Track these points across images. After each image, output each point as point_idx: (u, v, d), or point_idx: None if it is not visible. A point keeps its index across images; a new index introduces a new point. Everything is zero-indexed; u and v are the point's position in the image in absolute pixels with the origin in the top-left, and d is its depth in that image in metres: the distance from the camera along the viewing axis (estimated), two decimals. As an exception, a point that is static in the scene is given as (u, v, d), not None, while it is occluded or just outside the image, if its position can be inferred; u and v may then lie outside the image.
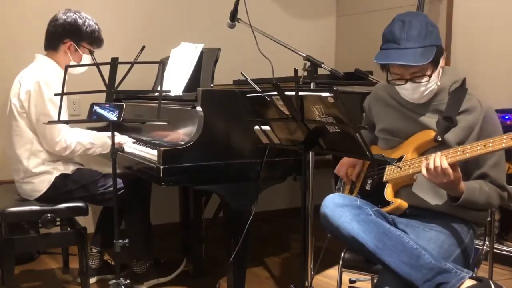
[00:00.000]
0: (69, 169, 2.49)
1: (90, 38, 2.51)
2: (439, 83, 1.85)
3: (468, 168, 1.80)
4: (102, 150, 2.50)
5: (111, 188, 2.30)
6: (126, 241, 2.12)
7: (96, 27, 2.53)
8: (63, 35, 2.47)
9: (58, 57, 2.49)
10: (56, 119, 2.26)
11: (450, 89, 1.87)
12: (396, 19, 1.83)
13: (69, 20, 2.46)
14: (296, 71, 1.63)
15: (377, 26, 3.85)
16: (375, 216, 1.73)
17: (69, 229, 2.53)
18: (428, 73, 1.79)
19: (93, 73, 2.05)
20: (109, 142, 2.42)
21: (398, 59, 1.76)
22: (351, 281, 2.76)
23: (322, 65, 2.21)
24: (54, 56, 2.49)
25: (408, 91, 1.85)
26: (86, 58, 2.53)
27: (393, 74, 1.84)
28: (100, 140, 2.48)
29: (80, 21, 2.47)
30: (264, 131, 1.84)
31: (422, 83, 1.80)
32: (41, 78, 2.35)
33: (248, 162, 2.24)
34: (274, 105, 1.68)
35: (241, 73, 2.07)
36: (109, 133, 2.12)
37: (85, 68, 2.55)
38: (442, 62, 1.84)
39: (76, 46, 2.48)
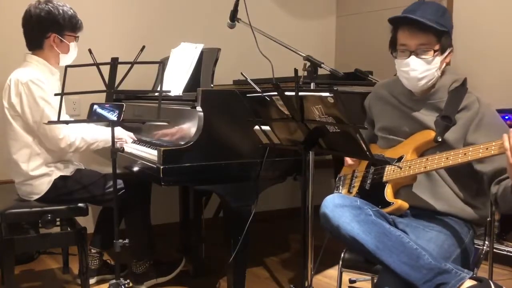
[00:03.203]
0: (69, 170, 2.49)
1: (71, 25, 2.45)
2: (439, 73, 1.85)
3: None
4: (105, 144, 2.47)
5: (111, 189, 2.30)
6: (126, 241, 2.12)
7: (72, 11, 2.46)
8: (43, 30, 2.41)
9: (45, 53, 2.44)
10: (51, 116, 2.27)
11: (449, 88, 1.87)
12: (416, 2, 1.86)
13: (43, 13, 2.38)
14: (296, 71, 1.63)
15: (377, 26, 3.88)
16: (375, 216, 1.73)
17: (69, 229, 2.53)
18: (436, 48, 1.79)
19: (93, 73, 2.05)
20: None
21: (411, 17, 1.77)
22: (351, 281, 2.76)
23: (322, 65, 2.21)
24: (41, 54, 2.44)
25: (407, 67, 1.82)
26: (73, 46, 2.49)
27: (399, 46, 1.84)
28: (103, 135, 2.46)
29: (55, 11, 2.39)
30: (264, 131, 1.84)
31: (427, 58, 1.79)
32: (29, 79, 2.32)
33: (248, 162, 2.24)
34: (274, 105, 1.68)
35: (241, 73, 2.07)
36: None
37: (73, 57, 2.52)
38: (447, 57, 1.85)
39: (60, 37, 2.43)
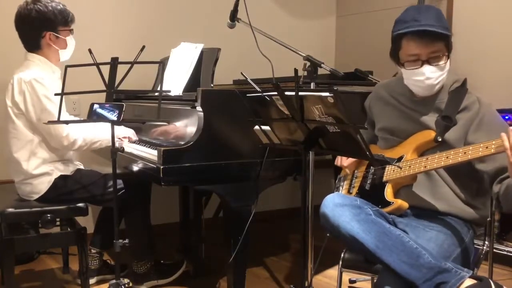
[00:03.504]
0: (69, 170, 2.49)
1: (63, 20, 2.45)
2: (446, 74, 1.85)
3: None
4: (108, 143, 2.44)
5: (111, 189, 2.30)
6: (126, 241, 2.12)
7: (61, 5, 2.46)
8: (37, 31, 2.42)
9: (44, 52, 2.46)
10: (55, 114, 2.27)
11: (450, 88, 1.87)
12: (409, 8, 1.84)
13: (33, 14, 2.39)
14: (296, 71, 1.63)
15: (377, 26, 3.89)
16: (375, 215, 1.73)
17: (69, 229, 2.53)
18: (446, 53, 1.79)
19: (93, 73, 2.05)
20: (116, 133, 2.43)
21: (421, 28, 1.74)
22: (351, 281, 2.76)
23: (322, 65, 2.21)
24: (41, 53, 2.46)
25: (422, 76, 1.81)
26: (70, 40, 2.50)
27: (408, 56, 1.82)
28: (107, 134, 2.44)
29: (44, 9, 2.40)
30: (264, 131, 1.84)
31: (441, 64, 1.78)
32: (33, 77, 2.33)
33: (248, 162, 2.24)
34: (274, 105, 1.68)
35: (241, 73, 2.07)
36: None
37: (72, 51, 2.52)
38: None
39: (55, 34, 2.44)
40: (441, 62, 1.79)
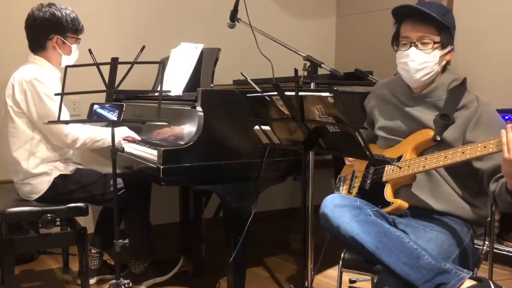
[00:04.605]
0: (68, 169, 2.49)
1: (74, 27, 2.50)
2: (438, 69, 1.86)
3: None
4: (110, 142, 2.48)
5: (111, 188, 2.30)
6: (126, 241, 2.12)
7: (74, 14, 2.51)
8: (47, 32, 2.45)
9: (47, 54, 2.48)
10: (56, 112, 2.27)
11: (449, 86, 1.87)
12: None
13: (47, 16, 2.43)
14: (296, 71, 1.63)
15: (377, 26, 3.89)
16: (375, 216, 1.73)
17: (69, 229, 2.53)
18: (436, 40, 1.82)
19: (93, 73, 2.05)
20: (119, 132, 2.44)
21: (414, 7, 1.81)
22: (351, 281, 2.76)
23: (322, 65, 2.21)
24: (44, 55, 2.48)
25: (407, 58, 1.85)
26: (75, 48, 2.53)
27: (401, 39, 1.88)
28: (108, 134, 2.46)
29: (58, 13, 2.44)
30: (264, 131, 1.84)
31: (427, 50, 1.82)
32: (34, 76, 2.34)
33: (248, 162, 2.24)
34: (274, 105, 1.68)
35: (241, 73, 2.07)
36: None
37: (74, 59, 2.55)
38: (448, 55, 1.87)
39: (62, 39, 2.47)
40: (428, 48, 1.82)
